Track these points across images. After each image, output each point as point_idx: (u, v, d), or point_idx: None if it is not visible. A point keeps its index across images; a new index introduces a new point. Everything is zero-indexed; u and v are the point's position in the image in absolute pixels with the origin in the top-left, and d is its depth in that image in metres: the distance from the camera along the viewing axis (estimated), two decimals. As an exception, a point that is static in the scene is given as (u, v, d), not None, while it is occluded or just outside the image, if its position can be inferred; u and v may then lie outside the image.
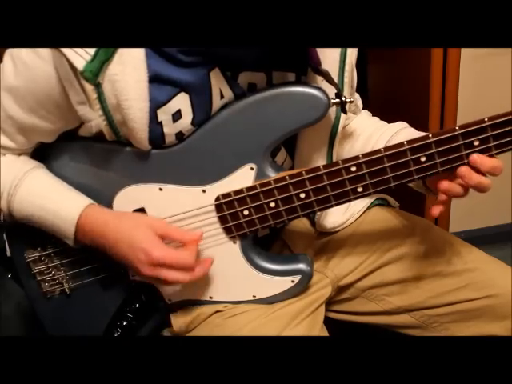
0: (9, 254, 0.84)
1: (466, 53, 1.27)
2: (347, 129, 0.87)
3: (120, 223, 0.72)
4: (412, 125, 0.85)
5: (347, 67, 0.74)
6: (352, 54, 0.74)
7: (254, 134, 0.71)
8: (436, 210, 0.70)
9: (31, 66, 0.67)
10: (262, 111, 0.70)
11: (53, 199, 0.74)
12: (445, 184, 0.68)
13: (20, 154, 0.78)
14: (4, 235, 0.83)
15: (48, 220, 0.74)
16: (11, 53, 0.69)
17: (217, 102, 0.71)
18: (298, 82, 0.74)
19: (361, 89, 0.86)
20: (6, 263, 0.85)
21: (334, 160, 0.80)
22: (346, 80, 0.75)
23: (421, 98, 1.33)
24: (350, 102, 0.72)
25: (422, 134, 0.69)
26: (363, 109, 0.92)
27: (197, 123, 0.71)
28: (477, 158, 0.66)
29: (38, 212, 0.74)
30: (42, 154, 0.79)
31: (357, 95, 0.89)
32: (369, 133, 0.85)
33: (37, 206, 0.74)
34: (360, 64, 0.81)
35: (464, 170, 0.67)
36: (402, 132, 0.81)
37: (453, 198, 0.69)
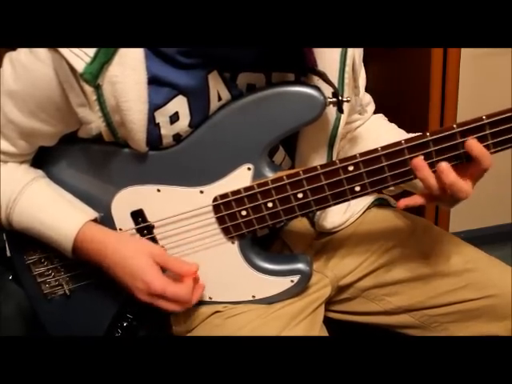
0: (9, 254, 0.84)
1: (466, 53, 1.27)
2: (360, 131, 0.87)
3: (119, 247, 0.73)
4: (412, 125, 0.85)
5: (347, 68, 0.74)
6: (353, 54, 0.74)
7: (251, 134, 0.71)
8: (402, 202, 0.70)
9: (31, 69, 0.67)
10: (259, 111, 0.70)
11: (51, 215, 0.74)
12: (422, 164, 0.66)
13: (21, 162, 0.77)
14: (4, 236, 0.83)
15: (46, 234, 0.74)
16: (10, 56, 0.69)
17: (214, 105, 0.71)
18: (294, 82, 0.74)
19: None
20: (6, 263, 0.85)
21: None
22: (346, 81, 0.75)
23: (421, 98, 1.33)
24: (347, 101, 0.72)
25: None
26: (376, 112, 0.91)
27: (194, 125, 0.71)
28: (445, 167, 0.65)
29: (36, 226, 0.74)
30: (40, 156, 0.78)
31: (368, 96, 0.89)
32: (386, 138, 0.85)
33: (35, 220, 0.74)
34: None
35: (444, 165, 0.66)
36: None
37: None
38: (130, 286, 0.72)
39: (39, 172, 0.78)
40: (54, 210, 0.75)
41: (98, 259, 0.73)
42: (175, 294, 0.71)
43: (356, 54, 0.75)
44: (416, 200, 0.70)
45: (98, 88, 0.65)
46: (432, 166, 0.67)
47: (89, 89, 0.65)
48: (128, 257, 0.72)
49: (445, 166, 0.66)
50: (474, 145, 0.65)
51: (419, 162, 0.66)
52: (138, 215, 0.76)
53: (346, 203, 0.74)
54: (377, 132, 0.87)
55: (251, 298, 0.79)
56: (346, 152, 0.87)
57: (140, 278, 0.71)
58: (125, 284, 0.73)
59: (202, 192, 0.74)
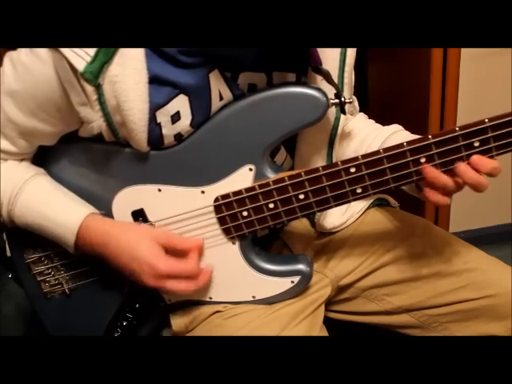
0: (9, 254, 0.84)
1: (466, 53, 1.27)
2: (344, 129, 0.88)
3: (121, 235, 0.72)
4: (412, 125, 0.85)
5: (347, 68, 0.75)
6: (351, 55, 0.75)
7: (253, 135, 0.71)
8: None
9: (31, 68, 0.67)
10: (261, 112, 0.70)
11: (53, 208, 0.74)
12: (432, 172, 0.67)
13: (21, 160, 0.77)
14: (4, 235, 0.83)
15: (48, 228, 0.74)
16: (11, 56, 0.69)
17: (216, 104, 0.71)
18: (297, 83, 0.74)
19: (360, 89, 0.87)
20: (6, 263, 0.85)
21: (334, 161, 0.80)
22: (345, 81, 0.75)
23: (421, 98, 1.33)
24: (349, 102, 0.72)
25: (417, 136, 0.69)
26: (362, 110, 0.92)
27: (195, 125, 0.71)
28: (478, 159, 0.66)
29: (38, 220, 0.74)
30: (41, 155, 0.79)
31: (354, 97, 0.89)
32: (364, 134, 0.85)
33: (37, 214, 0.74)
34: (360, 64, 0.81)
35: (463, 167, 0.66)
36: (397, 134, 0.81)
37: (453, 198, 0.69)
38: (136, 272, 0.71)
39: (40, 169, 0.78)
40: (57, 204, 0.75)
41: (101, 250, 0.73)
42: (181, 269, 0.71)
43: (353, 54, 0.75)
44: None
45: (98, 87, 0.65)
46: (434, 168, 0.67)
47: (89, 88, 0.65)
48: (131, 243, 0.72)
49: (463, 167, 0.66)
50: (481, 161, 0.66)
51: (430, 170, 0.66)
52: (138, 215, 0.76)
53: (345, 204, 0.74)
54: (358, 128, 0.87)
55: (251, 299, 0.79)
56: None
57: (144, 261, 0.70)
58: (130, 271, 0.72)
59: (203, 192, 0.74)
